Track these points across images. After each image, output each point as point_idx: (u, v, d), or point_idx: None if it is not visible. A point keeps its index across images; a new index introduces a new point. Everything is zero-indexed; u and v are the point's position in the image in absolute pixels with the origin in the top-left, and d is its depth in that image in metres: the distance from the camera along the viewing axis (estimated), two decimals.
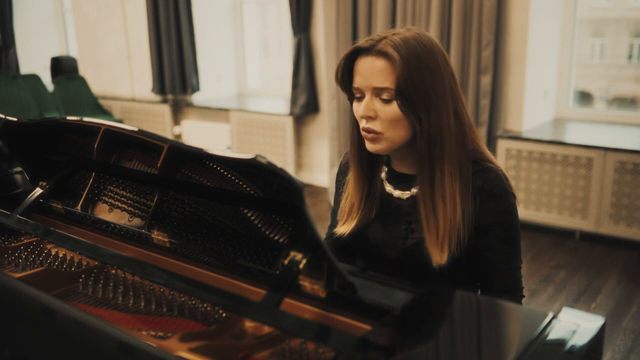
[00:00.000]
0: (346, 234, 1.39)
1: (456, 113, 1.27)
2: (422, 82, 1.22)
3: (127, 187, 1.43)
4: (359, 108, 1.28)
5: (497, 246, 1.31)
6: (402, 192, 1.36)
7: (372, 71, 1.24)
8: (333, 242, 1.49)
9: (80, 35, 6.59)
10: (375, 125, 1.26)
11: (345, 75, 1.30)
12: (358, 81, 1.27)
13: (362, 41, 1.27)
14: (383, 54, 1.22)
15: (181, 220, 1.29)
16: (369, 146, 1.30)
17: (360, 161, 1.37)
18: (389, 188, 1.38)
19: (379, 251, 1.38)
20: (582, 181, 3.69)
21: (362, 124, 1.28)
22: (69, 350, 1.00)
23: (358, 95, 1.29)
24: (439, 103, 1.24)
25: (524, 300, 1.41)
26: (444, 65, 1.27)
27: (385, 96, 1.24)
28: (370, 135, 1.28)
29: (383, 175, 1.40)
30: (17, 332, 1.10)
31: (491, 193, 1.28)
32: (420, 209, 1.28)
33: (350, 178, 1.41)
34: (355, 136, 1.36)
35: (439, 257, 1.27)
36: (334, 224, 1.51)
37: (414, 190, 1.34)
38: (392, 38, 1.24)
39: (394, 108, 1.24)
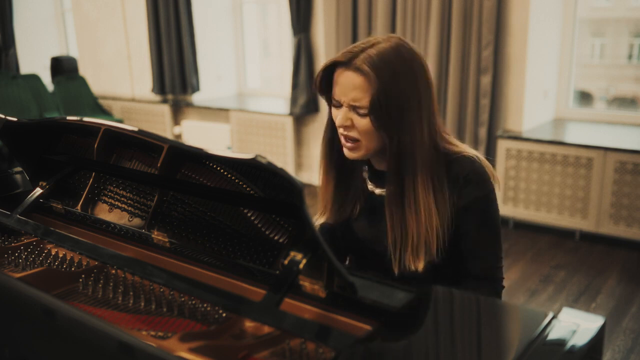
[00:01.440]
0: (329, 222, 1.45)
1: (429, 124, 1.29)
2: (396, 100, 1.24)
3: (127, 187, 1.43)
4: (335, 114, 1.32)
5: (474, 231, 1.33)
6: (382, 189, 1.39)
7: (349, 86, 1.26)
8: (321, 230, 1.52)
9: (80, 35, 6.59)
10: (353, 133, 1.30)
11: (323, 83, 1.33)
12: (337, 92, 1.29)
13: (341, 53, 1.29)
14: (359, 71, 1.24)
15: (181, 220, 1.29)
16: (347, 153, 1.34)
17: (330, 160, 1.41)
18: (370, 186, 1.42)
19: (367, 246, 1.41)
20: (582, 181, 3.69)
21: (340, 130, 1.32)
22: (69, 350, 1.00)
23: (336, 104, 1.32)
24: (413, 119, 1.26)
25: (523, 300, 1.41)
26: (422, 77, 1.28)
27: (360, 111, 1.27)
28: (349, 144, 1.32)
29: (365, 174, 1.43)
30: (17, 332, 1.10)
31: (467, 179, 1.31)
32: (387, 219, 1.31)
33: (322, 178, 1.45)
34: (330, 138, 1.39)
35: (411, 263, 1.29)
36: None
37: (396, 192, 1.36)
38: (370, 52, 1.24)
39: (368, 122, 1.27)
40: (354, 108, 1.27)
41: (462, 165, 1.31)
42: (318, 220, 1.47)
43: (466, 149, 1.36)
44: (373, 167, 1.42)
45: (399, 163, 1.27)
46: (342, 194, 1.43)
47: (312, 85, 1.34)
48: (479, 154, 1.36)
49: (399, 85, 1.24)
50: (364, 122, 1.27)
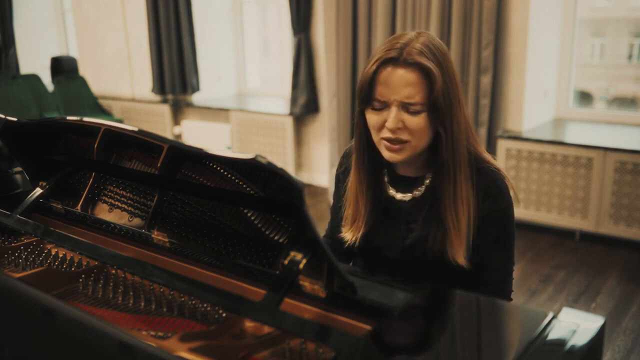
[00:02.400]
0: (357, 241, 1.38)
1: (465, 119, 1.29)
2: (448, 93, 1.22)
3: (127, 187, 1.43)
4: (379, 118, 1.25)
5: (489, 244, 1.32)
6: (404, 194, 1.37)
7: (401, 84, 1.21)
8: (332, 241, 1.50)
9: (80, 35, 6.59)
10: (403, 135, 1.24)
11: (366, 85, 1.25)
12: (384, 93, 1.23)
13: (383, 50, 1.23)
14: (416, 66, 1.20)
15: (181, 220, 1.29)
16: (391, 155, 1.27)
17: (368, 169, 1.36)
18: (391, 191, 1.38)
19: (381, 253, 1.39)
20: (582, 181, 3.69)
21: (386, 134, 1.25)
22: (69, 350, 1.00)
23: (379, 106, 1.25)
24: (458, 110, 1.25)
25: (523, 300, 1.42)
26: (455, 70, 1.27)
27: (413, 108, 1.22)
28: (396, 147, 1.26)
29: (386, 179, 1.39)
30: (17, 332, 1.10)
31: (487, 191, 1.30)
32: (445, 214, 1.28)
33: (354, 185, 1.39)
34: (364, 145, 1.33)
35: (461, 258, 1.27)
36: (334, 222, 1.51)
37: (416, 193, 1.35)
38: (416, 46, 1.21)
39: (422, 119, 1.23)
40: (405, 106, 1.22)
41: (485, 177, 1.30)
42: (345, 235, 1.40)
43: (490, 158, 1.35)
44: (395, 172, 1.39)
45: (453, 155, 1.25)
46: (373, 202, 1.38)
47: (359, 87, 1.28)
48: (501, 168, 1.34)
49: (446, 77, 1.22)
50: (416, 121, 1.23)
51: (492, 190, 1.30)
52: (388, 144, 1.26)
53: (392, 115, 1.23)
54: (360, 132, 1.33)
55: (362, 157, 1.35)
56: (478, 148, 1.34)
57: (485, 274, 1.34)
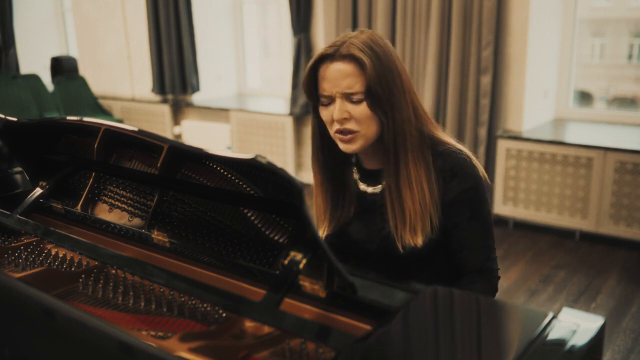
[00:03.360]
0: (323, 238, 1.45)
1: (413, 105, 1.34)
2: (386, 81, 1.28)
3: (127, 187, 1.43)
4: (328, 112, 1.33)
5: (465, 224, 1.35)
6: (374, 187, 1.42)
7: (340, 76, 1.29)
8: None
9: (80, 35, 6.59)
10: (351, 125, 1.31)
11: (311, 83, 1.34)
12: (326, 88, 1.31)
13: (322, 49, 1.32)
14: (350, 57, 1.28)
15: (181, 220, 1.29)
16: (345, 147, 1.34)
17: (325, 166, 1.43)
18: (362, 187, 1.43)
19: (362, 247, 1.42)
20: (582, 181, 3.69)
21: (336, 126, 1.33)
22: (69, 350, 1.00)
23: (326, 102, 1.33)
24: (400, 98, 1.31)
25: (523, 300, 1.42)
26: (399, 62, 1.33)
27: (355, 98, 1.29)
28: (347, 137, 1.32)
29: (356, 176, 1.45)
30: (17, 332, 1.10)
31: (452, 172, 1.34)
32: (386, 198, 1.35)
33: (316, 187, 1.46)
34: (319, 144, 1.41)
35: (410, 240, 1.32)
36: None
37: (384, 184, 1.39)
38: (353, 41, 1.29)
39: (364, 107, 1.30)
40: (348, 97, 1.29)
41: (447, 158, 1.34)
42: (321, 233, 1.47)
43: (451, 141, 1.39)
44: (363, 168, 1.44)
45: (394, 140, 1.31)
46: (340, 198, 1.45)
47: (303, 87, 1.38)
48: (463, 148, 1.39)
49: (383, 65, 1.29)
50: (360, 109, 1.30)
51: (457, 170, 1.34)
52: (340, 135, 1.33)
53: (336, 107, 1.30)
54: (314, 132, 1.41)
55: (320, 157, 1.42)
56: (436, 132, 1.38)
57: (467, 254, 1.36)
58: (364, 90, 1.28)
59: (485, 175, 1.38)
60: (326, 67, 1.30)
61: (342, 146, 1.35)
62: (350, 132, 1.32)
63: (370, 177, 1.43)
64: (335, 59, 1.29)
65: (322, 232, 1.46)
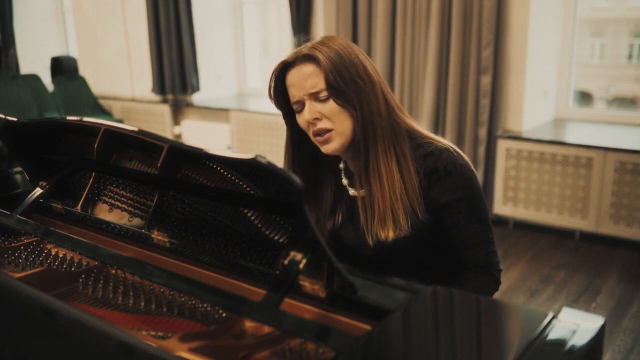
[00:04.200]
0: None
1: (384, 97, 1.34)
2: (348, 72, 1.30)
3: (127, 187, 1.43)
4: (302, 117, 1.34)
5: (464, 222, 1.35)
6: (362, 190, 1.40)
7: (302, 78, 1.31)
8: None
9: (80, 35, 6.59)
10: (324, 124, 1.32)
11: (279, 95, 1.37)
12: (294, 94, 1.34)
13: (285, 58, 1.35)
14: (307, 58, 1.31)
15: (181, 220, 1.29)
16: (325, 147, 1.35)
17: (312, 174, 1.44)
18: (352, 192, 1.43)
19: (357, 251, 1.42)
20: (582, 181, 3.69)
21: (312, 128, 1.34)
22: (69, 350, 1.00)
23: (299, 108, 1.35)
24: (367, 89, 1.31)
25: (523, 300, 1.42)
26: (363, 56, 1.34)
27: (321, 96, 1.31)
28: (323, 137, 1.33)
29: (345, 181, 1.45)
30: (17, 332, 1.10)
31: (446, 170, 1.33)
32: (357, 189, 1.36)
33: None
34: (292, 157, 1.43)
35: (380, 233, 1.32)
36: None
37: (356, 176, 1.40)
38: (307, 45, 1.33)
39: (332, 104, 1.31)
40: (315, 96, 1.31)
41: (438, 157, 1.34)
42: None
43: (431, 135, 1.39)
44: (349, 172, 1.45)
45: (363, 132, 1.32)
46: (326, 205, 1.45)
47: (271, 100, 1.42)
48: (449, 143, 1.39)
49: (344, 60, 1.30)
50: (328, 106, 1.31)
51: (451, 169, 1.33)
52: (318, 137, 1.34)
53: (306, 109, 1.33)
54: (288, 146, 1.44)
55: (292, 168, 1.44)
56: (413, 125, 1.39)
57: (469, 252, 1.37)
58: (326, 86, 1.30)
59: (470, 163, 1.38)
60: (290, 75, 1.33)
61: (322, 148, 1.36)
62: (326, 130, 1.33)
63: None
64: (296, 63, 1.32)
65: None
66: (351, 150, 1.38)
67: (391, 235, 1.32)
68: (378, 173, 1.32)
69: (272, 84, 1.37)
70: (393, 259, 1.38)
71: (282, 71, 1.35)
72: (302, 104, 1.33)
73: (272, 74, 1.36)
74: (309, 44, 1.33)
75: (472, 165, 1.38)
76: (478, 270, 1.37)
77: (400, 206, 1.32)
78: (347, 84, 1.30)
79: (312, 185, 1.45)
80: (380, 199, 1.32)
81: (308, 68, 1.31)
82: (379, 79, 1.35)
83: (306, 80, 1.31)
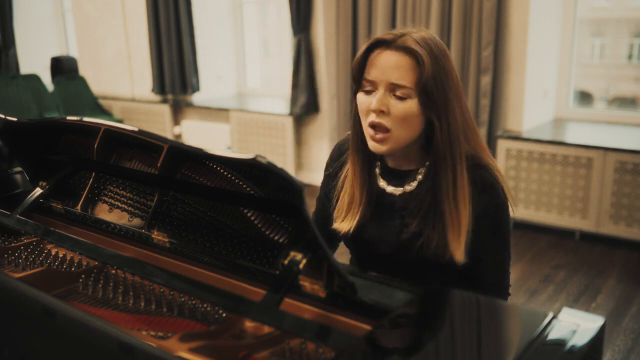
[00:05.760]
0: (350, 231, 1.37)
1: (463, 115, 1.28)
2: (443, 82, 1.23)
3: (127, 187, 1.43)
4: (367, 101, 1.26)
5: (486, 239, 1.31)
6: (395, 188, 1.35)
7: (392, 66, 1.23)
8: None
9: (80, 35, 6.59)
10: (385, 121, 1.24)
11: (358, 67, 1.28)
12: (373, 74, 1.25)
13: (383, 34, 1.26)
14: (407, 50, 1.22)
15: (181, 220, 1.29)
16: (374, 146, 1.28)
17: (362, 156, 1.36)
18: (382, 183, 1.37)
19: (373, 247, 1.38)
20: (582, 181, 3.69)
21: (371, 118, 1.26)
22: (69, 350, 1.00)
23: (369, 88, 1.27)
24: (455, 104, 1.25)
25: (523, 300, 1.42)
26: (454, 69, 1.28)
27: (400, 93, 1.23)
28: (379, 135, 1.26)
29: (377, 170, 1.39)
30: (17, 332, 1.10)
31: (482, 186, 1.29)
32: (445, 209, 1.27)
33: (350, 174, 1.39)
34: (358, 130, 1.33)
35: (460, 255, 1.26)
36: (320, 213, 1.51)
37: (407, 187, 1.34)
38: (413, 35, 1.23)
39: (408, 105, 1.23)
40: (393, 89, 1.23)
41: (478, 172, 1.29)
42: (338, 225, 1.39)
43: (491, 160, 1.34)
44: (386, 164, 1.38)
45: (450, 147, 1.25)
46: (370, 193, 1.37)
47: (351, 68, 1.30)
48: (499, 167, 1.34)
49: (440, 66, 1.23)
50: (401, 107, 1.23)
51: (487, 185, 1.29)
52: (372, 131, 1.26)
53: (377, 97, 1.24)
54: (354, 119, 1.34)
55: (357, 141, 1.35)
56: (481, 150, 1.32)
57: (483, 269, 1.33)
58: (413, 86, 1.22)
59: (509, 191, 1.33)
60: (379, 53, 1.24)
61: (371, 144, 1.28)
62: (384, 129, 1.25)
63: (392, 177, 1.37)
64: (392, 47, 1.23)
65: (349, 225, 1.37)
66: (401, 150, 1.31)
67: (461, 257, 1.25)
68: (462, 192, 1.25)
69: (360, 56, 1.27)
70: (415, 266, 1.33)
71: (374, 46, 1.26)
72: (374, 86, 1.25)
73: (364, 47, 1.26)
74: (412, 34, 1.23)
75: (507, 189, 1.32)
76: (487, 289, 1.34)
77: (466, 229, 1.26)
78: (439, 93, 1.22)
79: (367, 164, 1.37)
80: (465, 220, 1.25)
81: (403, 59, 1.22)
82: (462, 93, 1.28)
83: (394, 69, 1.22)
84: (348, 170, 1.40)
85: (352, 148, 1.37)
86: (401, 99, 1.23)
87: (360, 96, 1.28)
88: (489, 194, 1.29)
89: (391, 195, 1.36)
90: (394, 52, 1.23)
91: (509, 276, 1.37)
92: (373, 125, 1.26)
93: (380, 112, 1.24)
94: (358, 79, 1.29)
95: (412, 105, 1.23)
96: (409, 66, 1.22)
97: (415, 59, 1.21)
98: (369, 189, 1.37)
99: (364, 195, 1.36)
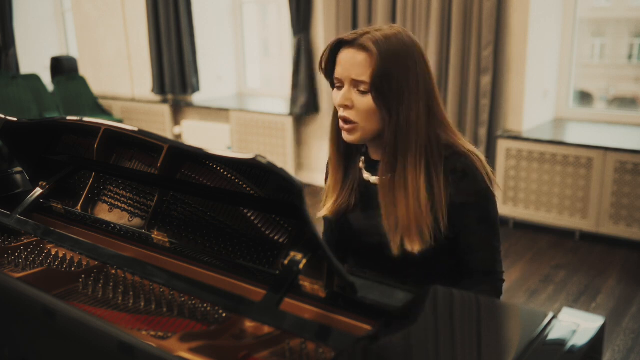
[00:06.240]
0: (329, 215, 1.45)
1: (428, 109, 1.32)
2: (396, 78, 1.27)
3: (127, 187, 1.43)
4: (336, 97, 1.35)
5: (474, 225, 1.34)
6: (378, 178, 1.39)
7: (351, 63, 1.29)
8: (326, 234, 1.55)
9: (80, 35, 6.59)
10: (351, 115, 1.32)
11: (328, 65, 1.36)
12: (338, 71, 1.33)
13: (346, 34, 1.33)
14: (363, 48, 1.28)
15: (181, 220, 1.29)
16: (345, 136, 1.36)
17: (338, 148, 1.44)
18: (366, 175, 1.42)
19: (362, 238, 1.42)
20: (582, 181, 3.69)
21: (340, 112, 1.34)
22: (69, 350, 1.00)
23: (338, 84, 1.34)
24: (411, 99, 1.29)
25: (523, 300, 1.42)
26: (421, 64, 1.31)
27: (362, 88, 1.30)
28: (347, 126, 1.33)
29: (361, 164, 1.44)
30: (17, 332, 1.10)
31: (463, 173, 1.32)
32: (380, 198, 1.34)
33: (329, 162, 1.48)
34: (335, 123, 1.41)
35: (407, 245, 1.30)
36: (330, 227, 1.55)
37: (384, 178, 1.37)
38: (374, 34, 1.29)
39: (369, 100, 1.29)
40: (355, 85, 1.30)
41: (458, 160, 1.32)
42: (320, 213, 1.48)
43: (468, 145, 1.37)
44: (369, 156, 1.44)
45: (395, 140, 1.30)
46: (348, 181, 1.44)
47: (318, 66, 1.39)
48: (479, 153, 1.36)
49: (399, 64, 1.28)
50: (364, 101, 1.30)
51: (468, 171, 1.32)
52: (341, 123, 1.35)
53: (341, 93, 1.32)
54: (333, 111, 1.42)
55: (332, 134, 1.43)
56: (456, 141, 1.35)
57: (474, 256, 1.36)
58: (370, 80, 1.28)
59: (492, 175, 1.36)
60: (343, 53, 1.31)
61: (342, 134, 1.36)
62: (350, 122, 1.32)
63: (375, 167, 1.41)
64: (353, 46, 1.29)
65: (326, 210, 1.46)
66: (374, 141, 1.37)
67: (417, 248, 1.30)
68: (404, 185, 1.30)
69: (326, 55, 1.35)
70: (396, 261, 1.35)
71: (338, 45, 1.33)
72: (341, 83, 1.33)
73: (328, 47, 1.34)
74: (373, 32, 1.29)
75: (491, 174, 1.36)
76: (480, 276, 1.36)
77: (425, 218, 1.29)
78: (391, 88, 1.27)
79: (348, 157, 1.45)
80: (405, 212, 1.30)
81: (361, 55, 1.28)
82: (429, 89, 1.32)
83: (354, 66, 1.29)
84: (329, 156, 1.48)
85: (330, 140, 1.46)
86: (363, 93, 1.30)
87: (334, 92, 1.37)
88: (471, 181, 1.32)
89: (375, 185, 1.40)
90: (354, 49, 1.29)
91: (501, 261, 1.40)
92: (342, 119, 1.34)
93: (345, 107, 1.32)
94: (330, 77, 1.37)
95: (371, 99, 1.29)
96: (367, 62, 1.28)
97: (369, 53, 1.28)
98: (349, 180, 1.44)
99: (339, 185, 1.45)
